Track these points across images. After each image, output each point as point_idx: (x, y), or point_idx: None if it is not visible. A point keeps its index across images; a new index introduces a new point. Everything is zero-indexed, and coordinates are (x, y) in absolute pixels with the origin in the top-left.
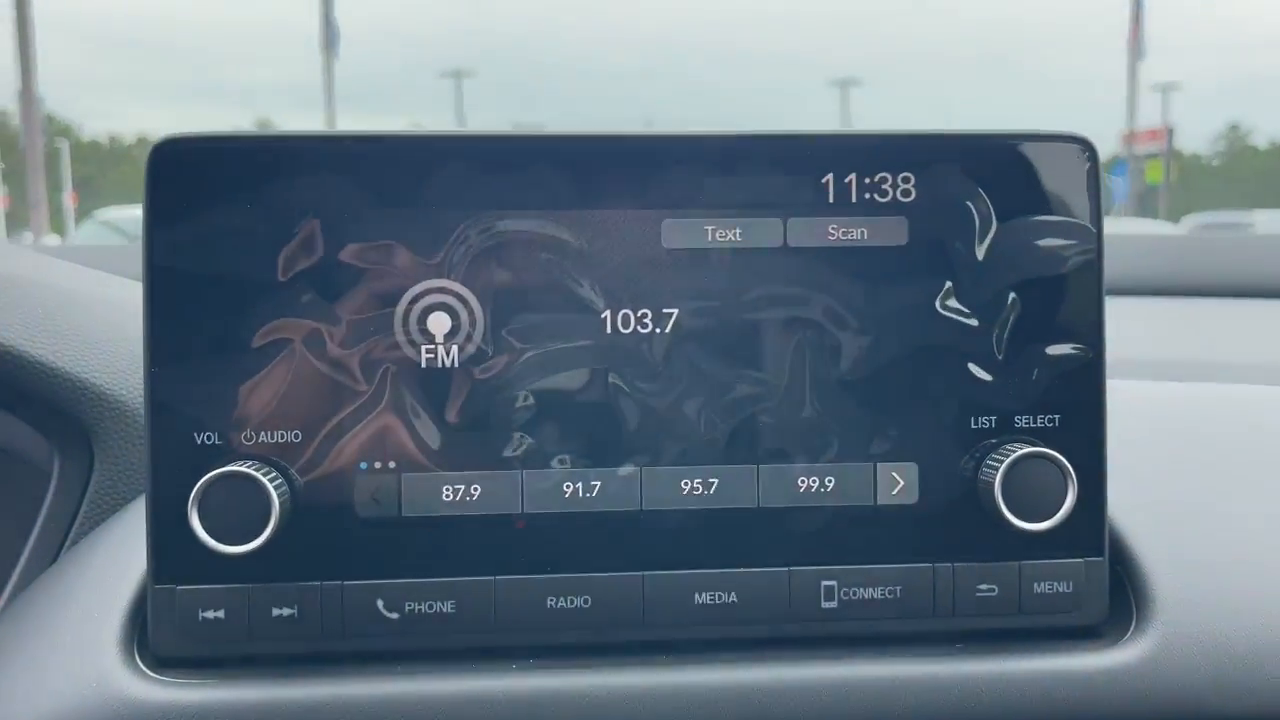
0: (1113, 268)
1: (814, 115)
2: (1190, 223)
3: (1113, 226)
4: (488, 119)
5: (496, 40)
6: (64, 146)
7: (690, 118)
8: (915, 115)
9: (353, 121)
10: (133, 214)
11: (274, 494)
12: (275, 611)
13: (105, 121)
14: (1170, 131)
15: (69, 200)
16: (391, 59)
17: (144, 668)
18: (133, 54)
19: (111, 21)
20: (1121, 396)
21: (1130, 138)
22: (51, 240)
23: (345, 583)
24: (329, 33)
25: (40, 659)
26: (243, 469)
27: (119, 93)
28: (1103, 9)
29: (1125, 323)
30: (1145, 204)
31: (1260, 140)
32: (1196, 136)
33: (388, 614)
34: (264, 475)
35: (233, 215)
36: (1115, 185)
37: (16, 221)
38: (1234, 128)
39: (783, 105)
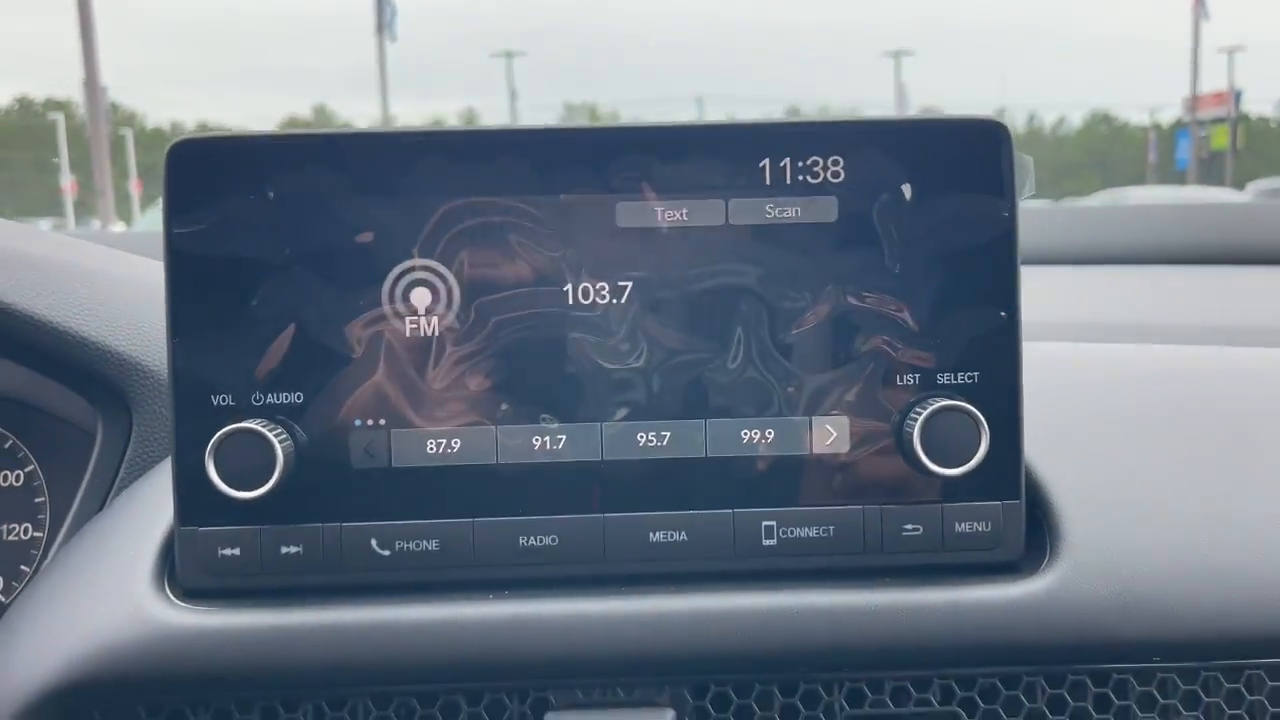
0: (1031, 239)
1: (867, 86)
2: (1254, 189)
3: (1176, 195)
4: (538, 98)
5: (547, 19)
6: (128, 135)
7: (741, 94)
8: (969, 85)
9: (404, 104)
10: None
11: (279, 447)
12: (283, 549)
13: (170, 109)
14: (1237, 95)
15: (135, 187)
16: (443, 40)
17: (173, 598)
18: (195, 43)
19: (175, 12)
20: (1044, 357)
21: (1193, 102)
22: (118, 227)
23: (343, 524)
24: (386, 13)
25: (86, 592)
26: (252, 425)
27: (183, 82)
28: None
29: (1047, 290)
30: (1211, 170)
31: None
32: (1263, 100)
33: (380, 551)
34: (270, 431)
35: (241, 204)
36: (1177, 152)
37: (85, 208)
38: None
39: (836, 77)
